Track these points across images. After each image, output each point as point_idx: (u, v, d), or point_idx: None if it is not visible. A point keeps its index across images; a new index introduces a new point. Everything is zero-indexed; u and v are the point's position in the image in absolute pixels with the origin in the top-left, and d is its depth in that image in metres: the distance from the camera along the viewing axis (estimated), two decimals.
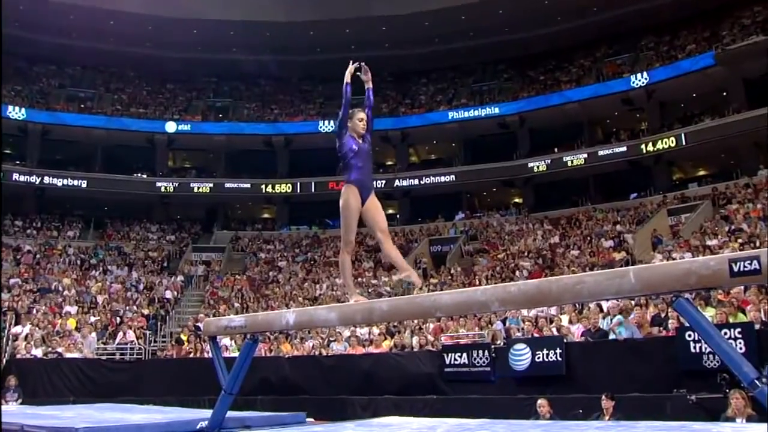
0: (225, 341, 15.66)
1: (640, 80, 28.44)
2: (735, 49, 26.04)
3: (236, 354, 12.74)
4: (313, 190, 32.25)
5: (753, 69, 25.98)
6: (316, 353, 15.23)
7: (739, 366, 3.47)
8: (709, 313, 11.16)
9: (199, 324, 19.11)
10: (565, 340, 11.35)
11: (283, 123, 33.57)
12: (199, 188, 32.54)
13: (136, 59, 33.40)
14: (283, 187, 32.62)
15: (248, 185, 32.80)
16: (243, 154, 33.67)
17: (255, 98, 35.73)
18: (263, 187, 32.64)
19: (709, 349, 8.95)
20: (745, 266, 3.40)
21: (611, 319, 11.81)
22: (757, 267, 3.36)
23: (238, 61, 33.25)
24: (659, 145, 27.67)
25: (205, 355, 15.43)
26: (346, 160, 5.25)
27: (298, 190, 32.55)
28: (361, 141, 5.31)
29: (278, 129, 33.31)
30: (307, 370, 14.00)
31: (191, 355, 16.99)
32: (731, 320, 10.36)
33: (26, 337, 17.46)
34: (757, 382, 3.39)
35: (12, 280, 22.71)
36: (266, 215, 35.68)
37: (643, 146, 28.16)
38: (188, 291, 26.03)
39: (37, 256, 26.27)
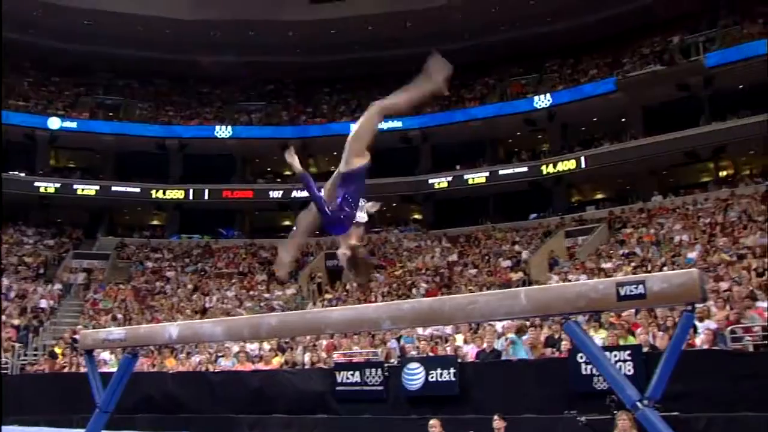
0: (104, 355, 15.10)
1: (543, 101, 29.49)
2: (634, 77, 27.45)
3: (115, 369, 12.30)
4: (206, 198, 31.65)
5: (651, 97, 27.49)
6: (203, 369, 14.89)
7: (622, 388, 3.63)
8: (601, 335, 11.64)
9: (76, 336, 18.36)
10: (459, 360, 11.55)
11: (178, 126, 32.81)
12: (83, 190, 31.22)
13: (18, 47, 31.66)
14: (175, 194, 31.82)
15: (137, 189, 31.78)
16: (133, 157, 32.53)
17: (149, 98, 34.71)
18: (153, 192, 31.73)
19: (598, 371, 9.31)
20: (631, 290, 3.58)
21: (506, 340, 12.11)
22: (643, 291, 3.55)
23: (134, 57, 32.17)
24: (559, 167, 28.74)
25: (82, 370, 14.82)
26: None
27: (191, 197, 31.82)
28: (332, 207, 4.78)
29: (172, 132, 32.51)
30: (192, 386, 13.65)
31: (66, 370, 16.29)
32: (621, 342, 10.82)
33: None
34: (638, 404, 3.56)
35: None
36: (155, 222, 34.70)
37: (543, 167, 29.16)
38: (66, 300, 24.94)
39: None
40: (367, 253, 4.72)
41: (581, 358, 9.84)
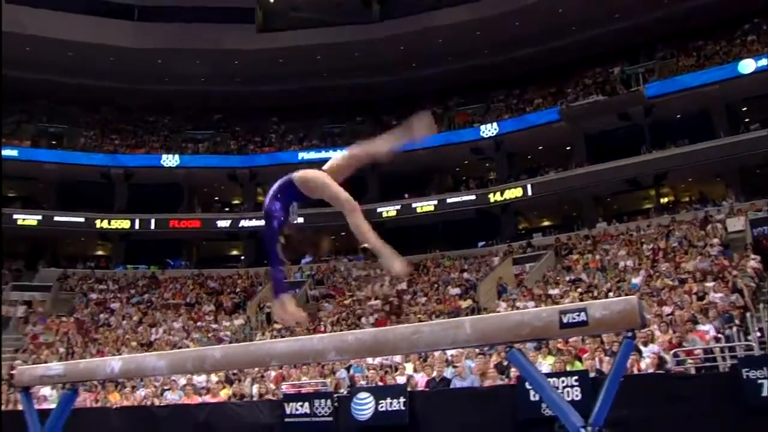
0: (45, 391, 14.63)
1: (489, 130, 29.94)
2: (577, 106, 28.11)
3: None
4: (153, 228, 31.14)
5: (593, 126, 28.20)
6: (149, 403, 14.55)
7: (566, 415, 3.67)
8: (549, 361, 11.75)
9: (14, 372, 17.78)
10: (408, 389, 11.52)
11: (124, 155, 32.31)
12: (24, 220, 30.39)
13: None
14: (120, 224, 31.24)
15: (82, 219, 31.08)
16: (77, 186, 31.90)
17: (94, 126, 34.10)
18: (98, 222, 31.09)
19: None
20: (573, 318, 3.63)
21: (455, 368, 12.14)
22: (585, 319, 3.60)
23: (77, 85, 31.68)
24: (506, 195, 29.13)
25: (19, 407, 14.33)
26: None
27: (137, 227, 31.28)
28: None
29: (118, 161, 32.01)
30: (137, 421, 13.31)
31: (2, 407, 15.73)
32: (569, 368, 10.94)
33: None
34: (582, 430, 3.60)
35: None
36: (100, 252, 33.97)
37: (491, 195, 29.52)
38: (4, 334, 24.14)
39: None
40: (297, 230, 4.77)
41: (529, 385, 9.91)
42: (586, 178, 27.43)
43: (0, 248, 23.33)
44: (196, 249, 33.98)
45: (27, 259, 31.13)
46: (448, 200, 30.27)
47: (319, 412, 11.65)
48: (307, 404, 11.80)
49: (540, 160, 31.03)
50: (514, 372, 11.53)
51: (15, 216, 30.30)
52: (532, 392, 9.92)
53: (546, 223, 31.91)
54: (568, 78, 30.50)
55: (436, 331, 3.78)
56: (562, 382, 9.62)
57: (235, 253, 34.46)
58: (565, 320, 3.63)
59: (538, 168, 30.47)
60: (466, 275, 24.59)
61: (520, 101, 31.51)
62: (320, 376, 14.22)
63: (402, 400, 11.02)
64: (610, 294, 16.77)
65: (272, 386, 14.26)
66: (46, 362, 16.37)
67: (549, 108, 29.29)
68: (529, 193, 28.63)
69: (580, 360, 11.64)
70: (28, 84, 31.94)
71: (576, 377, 9.85)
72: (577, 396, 9.48)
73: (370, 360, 14.01)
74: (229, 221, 31.93)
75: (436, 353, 12.69)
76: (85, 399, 14.62)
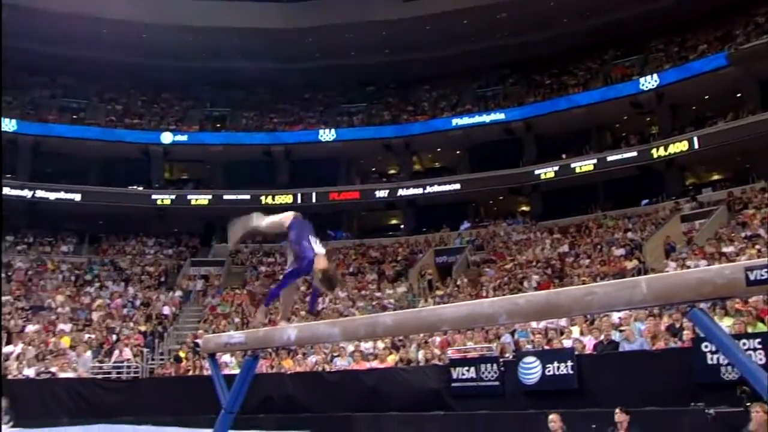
0: (225, 358, 15.63)
1: (649, 83, 28.41)
2: (749, 49, 25.98)
3: (236, 371, 12.71)
4: (314, 201, 32.19)
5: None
6: (319, 369, 15.19)
7: (758, 378, 3.44)
8: (727, 323, 11.12)
9: (198, 341, 19.10)
10: (576, 353, 11.31)
11: (283, 132, 33.57)
12: (196, 200, 32.50)
13: (130, 68, 33.30)
14: (284, 199, 32.55)
15: (247, 197, 32.66)
16: (241, 165, 33.56)
17: (253, 107, 35.74)
18: (263, 198, 32.53)
19: (727, 361, 8.88)
20: (762, 275, 3.38)
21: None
22: None
23: (236, 69, 33.14)
24: (671, 150, 27.62)
25: (204, 373, 15.40)
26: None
27: (299, 201, 32.44)
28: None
29: (277, 138, 33.32)
30: (310, 386, 13.97)
31: (190, 373, 16.97)
32: (750, 330, 10.31)
33: (18, 356, 17.37)
34: None
35: (2, 298, 22.65)
36: None
37: (653, 151, 28.11)
38: (187, 307, 26.00)
39: (29, 272, 26.24)
40: (335, 269, 6.11)
41: (706, 347, 9.44)
42: (761, 125, 25.29)
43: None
44: (356, 220, 34.84)
45: (201, 236, 33.24)
46: (608, 158, 29.15)
47: (486, 377, 11.70)
48: (473, 369, 11.89)
49: (706, 110, 29.14)
50: (687, 334, 11.03)
51: (189, 197, 32.50)
52: (709, 355, 9.46)
53: (716, 177, 30.04)
54: (736, 19, 28.31)
55: (610, 291, 3.65)
56: (744, 344, 9.07)
57: (394, 222, 35.04)
58: (752, 277, 3.39)
59: (704, 119, 28.63)
60: (630, 235, 23.71)
61: (681, 49, 29.63)
62: (485, 341, 14.24)
63: (569, 363, 10.86)
64: None
65: (437, 351, 14.45)
66: (223, 331, 17.44)
67: (715, 53, 27.32)
68: (696, 146, 26.96)
69: (762, 321, 10.94)
70: (193, 72, 33.91)
71: (759, 339, 9.28)
72: (761, 359, 8.94)
73: (534, 324, 13.86)
74: (387, 191, 32.47)
75: (603, 316, 12.37)
76: (261, 365, 15.45)
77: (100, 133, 31.71)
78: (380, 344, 15.77)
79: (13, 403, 14.70)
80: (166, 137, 32.42)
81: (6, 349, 17.98)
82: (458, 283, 23.77)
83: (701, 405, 9.09)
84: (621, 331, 12.17)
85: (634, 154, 28.73)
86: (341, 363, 15.12)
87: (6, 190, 28.87)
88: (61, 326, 20.83)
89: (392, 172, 34.86)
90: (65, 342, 19.21)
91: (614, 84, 29.93)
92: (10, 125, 29.87)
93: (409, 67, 33.92)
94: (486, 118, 31.54)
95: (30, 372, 16.62)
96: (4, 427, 13.56)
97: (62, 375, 16.71)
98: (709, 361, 9.43)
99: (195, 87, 35.69)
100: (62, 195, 30.49)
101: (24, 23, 28.98)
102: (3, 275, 24.93)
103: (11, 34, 27.73)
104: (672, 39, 30.49)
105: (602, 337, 11.92)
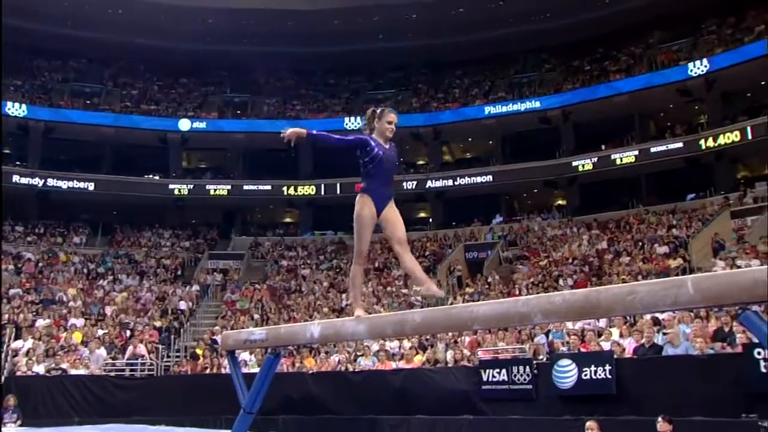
0: (244, 356, 15.74)
1: (699, 68, 27.99)
2: None
3: (255, 369, 12.81)
4: (338, 192, 32.21)
5: None
6: (342, 369, 15.24)
7: None
8: None
9: (215, 337, 19.26)
10: (615, 356, 11.22)
11: (306, 120, 33.62)
12: (215, 190, 32.70)
13: (147, 51, 33.56)
14: (306, 189, 32.70)
15: (269, 187, 32.88)
16: (263, 154, 33.69)
17: (276, 93, 35.85)
18: (285, 189, 32.73)
19: None
20: None
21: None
22: None
23: (258, 53, 33.27)
24: (721, 140, 27.21)
25: (223, 371, 15.53)
26: (368, 167, 5.27)
27: (323, 192, 32.58)
28: (387, 146, 5.22)
29: (301, 126, 33.29)
30: (332, 387, 14.02)
31: (207, 371, 17.12)
32: None
33: (27, 352, 17.61)
34: None
35: (12, 291, 22.85)
36: (288, 219, 35.84)
37: (702, 141, 27.74)
38: (204, 301, 26.20)
39: (40, 264, 26.53)
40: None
41: (759, 353, 9.30)
42: None
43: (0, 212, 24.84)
44: None
45: (220, 228, 33.48)
46: (652, 149, 28.82)
47: (518, 380, 11.66)
48: (504, 371, 11.84)
49: (762, 97, 28.66)
50: (739, 339, 10.88)
51: (207, 186, 32.69)
52: (763, 362, 9.32)
53: None
54: None
55: (655, 290, 3.59)
56: None
57: (422, 215, 35.01)
58: None
59: (759, 107, 28.14)
60: (675, 231, 23.46)
61: (736, 30, 29.04)
62: (517, 342, 14.19)
63: (608, 367, 10.78)
64: None
65: (467, 352, 14.42)
66: (243, 328, 17.55)
67: None
68: (749, 136, 26.50)
69: None
70: (213, 56, 34.08)
71: None
72: None
73: (570, 325, 13.78)
74: (415, 182, 32.39)
75: (645, 317, 12.26)
76: (282, 364, 15.53)
77: (114, 119, 31.92)
78: (406, 343, 15.79)
79: (22, 401, 14.92)
80: (184, 124, 32.59)
81: (15, 344, 18.25)
82: (489, 280, 23.71)
83: (754, 416, 8.95)
84: (665, 334, 12.05)
85: (681, 145, 28.37)
86: (366, 363, 15.16)
87: (16, 178, 29.28)
88: (72, 321, 21.06)
89: (421, 162, 34.80)
90: (77, 337, 19.46)
91: (660, 70, 29.55)
92: (20, 110, 30.06)
93: (440, 52, 33.80)
94: (521, 106, 31.35)
95: (40, 368, 16.84)
96: (12, 426, 13.75)
97: (73, 372, 16.92)
98: (763, 369, 9.29)
99: (214, 72, 35.89)
100: (75, 184, 30.77)
101: (33, 3, 29.09)
102: (12, 267, 25.31)
103: (20, 14, 27.84)
104: (725, 20, 29.86)
105: (644, 340, 11.81)
